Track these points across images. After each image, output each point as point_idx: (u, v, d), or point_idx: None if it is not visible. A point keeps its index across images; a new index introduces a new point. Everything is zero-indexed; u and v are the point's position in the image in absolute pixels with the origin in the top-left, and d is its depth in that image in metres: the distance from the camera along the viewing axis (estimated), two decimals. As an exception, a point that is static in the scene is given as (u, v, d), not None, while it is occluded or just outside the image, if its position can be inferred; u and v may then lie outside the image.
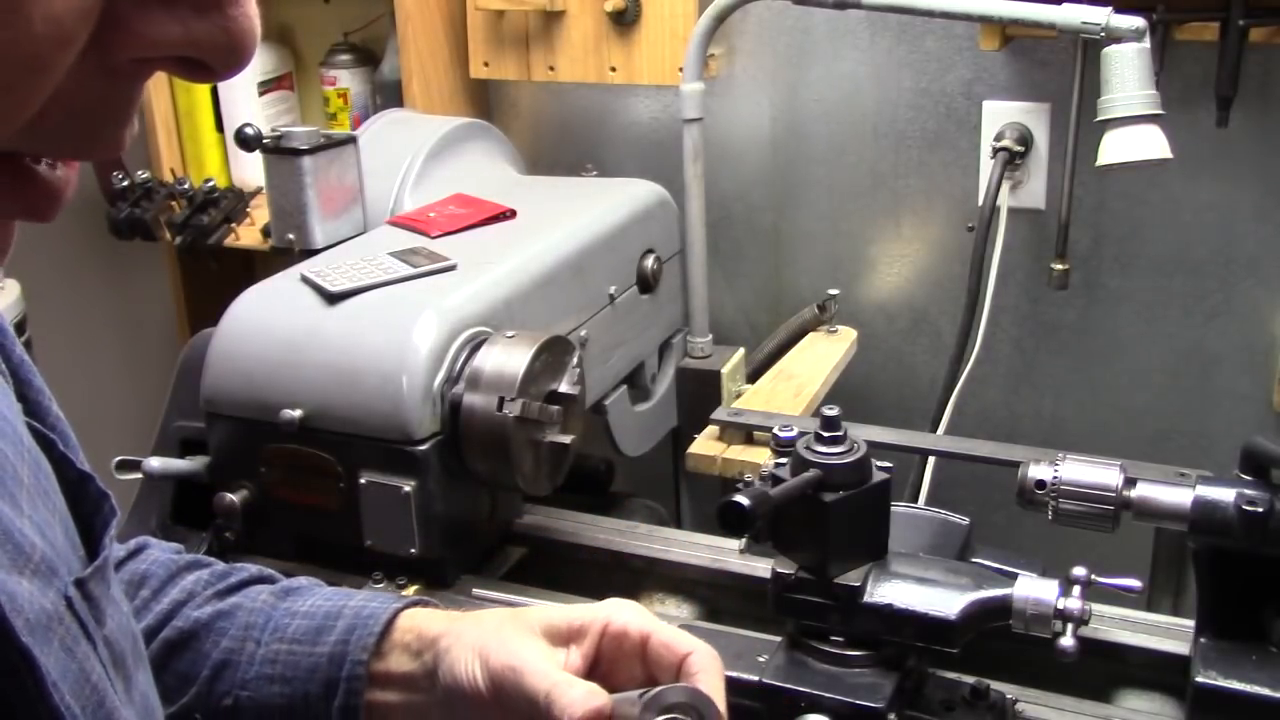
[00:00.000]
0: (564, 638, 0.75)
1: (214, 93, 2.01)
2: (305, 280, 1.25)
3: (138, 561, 0.85)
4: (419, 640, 0.77)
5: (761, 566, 1.07)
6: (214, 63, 0.42)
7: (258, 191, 1.90)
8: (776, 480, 0.92)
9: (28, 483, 0.57)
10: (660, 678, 0.74)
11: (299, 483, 1.19)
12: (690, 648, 0.73)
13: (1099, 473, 1.00)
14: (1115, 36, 1.36)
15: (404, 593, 1.16)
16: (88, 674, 0.56)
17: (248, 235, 1.87)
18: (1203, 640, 0.96)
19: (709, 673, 0.72)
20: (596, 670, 0.75)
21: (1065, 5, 1.38)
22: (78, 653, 0.56)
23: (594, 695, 0.70)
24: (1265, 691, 0.90)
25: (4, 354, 0.63)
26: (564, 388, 1.19)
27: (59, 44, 0.38)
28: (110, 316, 2.29)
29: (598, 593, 1.17)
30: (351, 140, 1.49)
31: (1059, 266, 1.69)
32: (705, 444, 1.46)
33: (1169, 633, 1.07)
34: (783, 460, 0.96)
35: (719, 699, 0.70)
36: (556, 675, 0.72)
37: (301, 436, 1.17)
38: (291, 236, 1.44)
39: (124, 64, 0.41)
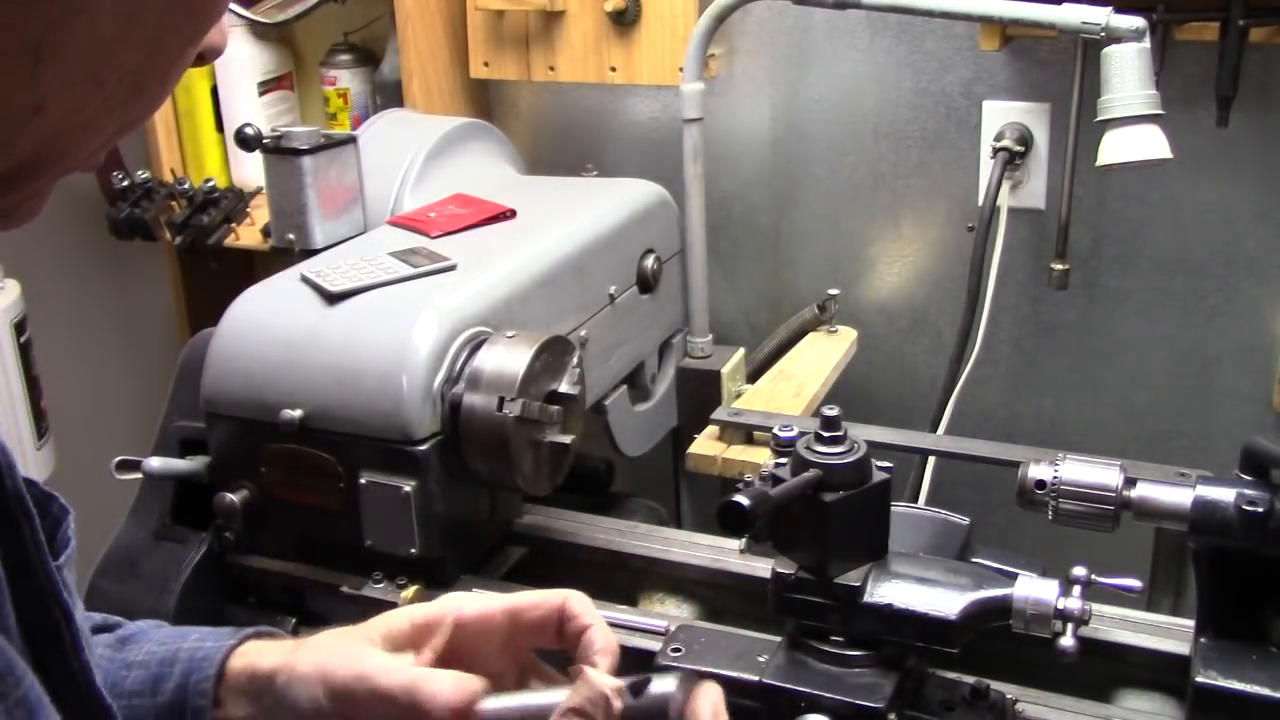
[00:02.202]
0: (408, 640, 0.72)
1: (214, 93, 2.01)
2: (305, 280, 1.25)
3: None
4: (252, 682, 0.74)
5: (761, 566, 1.07)
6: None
7: (258, 191, 1.90)
8: (776, 480, 0.92)
9: None
10: (539, 642, 0.72)
11: (299, 483, 1.19)
12: (561, 596, 0.71)
13: (1099, 473, 1.00)
14: (1115, 36, 1.36)
15: (403, 594, 1.16)
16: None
17: (248, 235, 1.87)
18: (1203, 640, 0.96)
19: (589, 613, 0.71)
20: (454, 665, 0.71)
21: (1065, 5, 1.38)
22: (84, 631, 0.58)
23: (463, 680, 0.67)
24: (1265, 691, 0.90)
25: None
26: (564, 388, 1.19)
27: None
28: (110, 316, 2.29)
29: (598, 593, 1.18)
30: (351, 140, 1.49)
31: (1059, 266, 1.69)
32: (705, 444, 1.46)
33: (1169, 633, 1.06)
34: (783, 460, 0.96)
35: (604, 628, 0.70)
36: (412, 670, 0.69)
37: (301, 436, 1.17)
38: (291, 236, 1.44)
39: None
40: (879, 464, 0.95)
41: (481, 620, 0.72)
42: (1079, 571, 0.91)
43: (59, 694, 0.55)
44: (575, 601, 0.71)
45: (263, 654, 0.75)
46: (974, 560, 1.01)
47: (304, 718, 0.71)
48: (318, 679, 0.70)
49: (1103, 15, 1.35)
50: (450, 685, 0.67)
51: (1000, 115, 1.71)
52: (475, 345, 1.18)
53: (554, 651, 0.73)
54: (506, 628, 0.72)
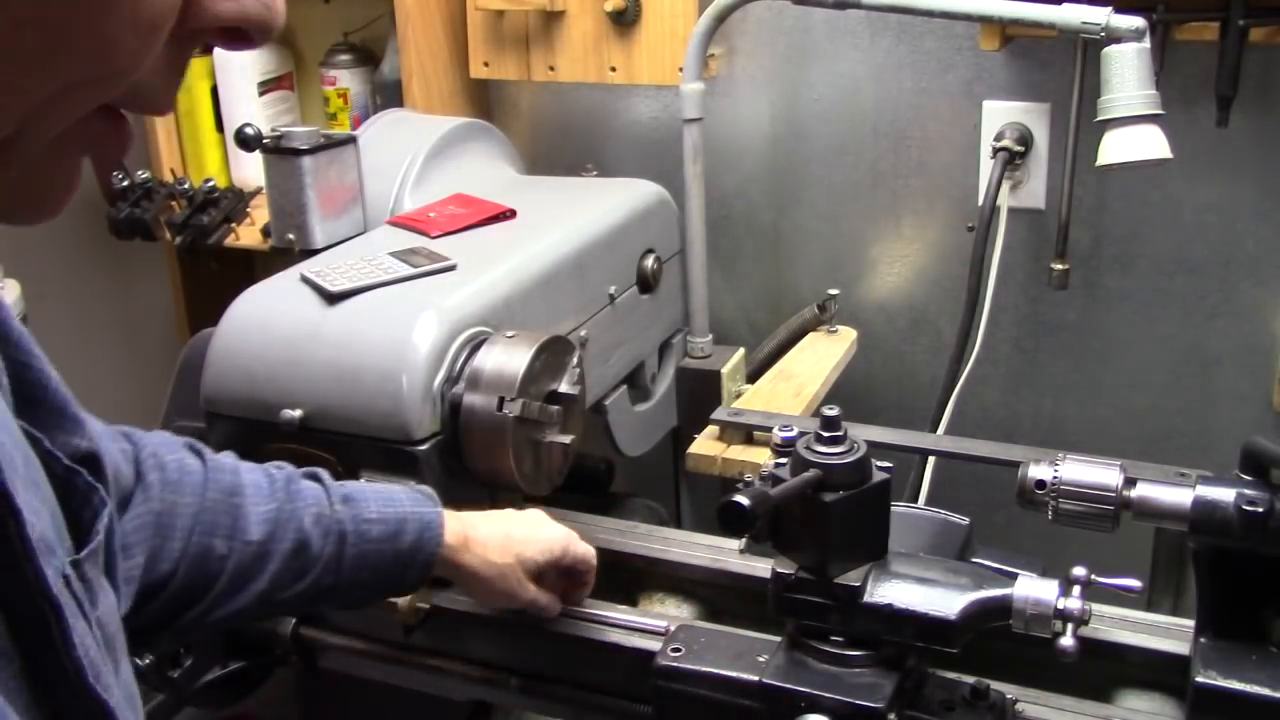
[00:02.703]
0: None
1: (214, 93, 2.01)
2: (305, 280, 1.25)
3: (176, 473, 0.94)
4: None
5: (761, 566, 1.07)
6: (255, 34, 0.48)
7: (258, 191, 1.90)
8: (776, 480, 0.92)
9: (21, 471, 0.59)
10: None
11: (299, 483, 1.19)
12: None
13: (1099, 473, 1.00)
14: (1115, 36, 1.36)
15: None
16: (87, 648, 0.58)
17: (248, 235, 1.87)
18: (1203, 640, 0.96)
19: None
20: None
21: (1065, 5, 1.38)
22: (78, 627, 0.57)
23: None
24: (1265, 691, 0.90)
25: (2, 332, 0.65)
26: (564, 388, 1.19)
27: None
28: (110, 316, 2.29)
29: (598, 593, 1.18)
30: (351, 140, 1.49)
31: (1059, 266, 1.69)
32: (705, 444, 1.46)
33: (1169, 633, 1.06)
34: (783, 460, 0.96)
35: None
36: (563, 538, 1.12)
37: (301, 436, 1.17)
38: (291, 236, 1.44)
39: (186, 32, 0.46)
40: (879, 464, 0.95)
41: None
42: (1079, 571, 0.91)
43: (53, 688, 0.55)
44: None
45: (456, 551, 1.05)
46: (974, 560, 1.01)
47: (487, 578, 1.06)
48: (505, 592, 1.07)
49: (1103, 15, 1.35)
50: (586, 546, 1.13)
51: (1000, 115, 1.71)
52: (475, 345, 1.18)
53: None
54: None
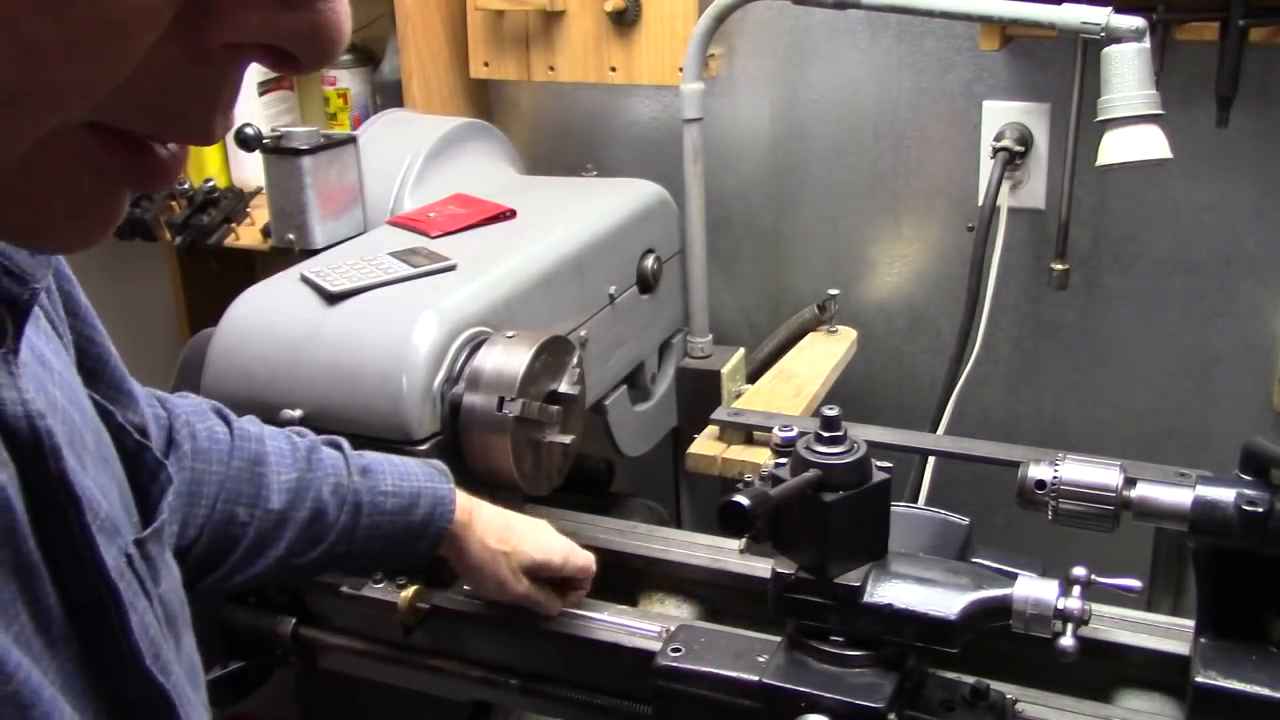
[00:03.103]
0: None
1: (214, 93, 2.00)
2: (305, 280, 1.25)
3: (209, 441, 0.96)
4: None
5: (761, 566, 1.07)
6: (299, 54, 0.43)
7: (258, 191, 1.90)
8: (776, 480, 0.92)
9: (91, 449, 0.59)
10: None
11: (299, 483, 1.19)
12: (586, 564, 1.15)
13: (1099, 473, 1.00)
14: (1115, 36, 1.36)
15: (403, 594, 1.16)
16: (147, 627, 0.58)
17: (248, 235, 1.87)
18: (1203, 640, 0.96)
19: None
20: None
21: (1065, 5, 1.38)
22: (138, 606, 0.58)
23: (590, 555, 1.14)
24: (1265, 691, 0.90)
25: (71, 306, 0.65)
26: (564, 388, 1.19)
27: (143, 15, 0.38)
28: (110, 316, 2.27)
29: (598, 592, 1.18)
30: (351, 140, 1.49)
31: (1059, 266, 1.69)
32: (705, 444, 1.46)
33: (1169, 633, 1.06)
34: (783, 460, 0.96)
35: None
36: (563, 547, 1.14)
37: (301, 436, 1.17)
38: (291, 236, 1.44)
39: (215, 50, 0.41)
40: (879, 464, 0.95)
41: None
42: (1079, 571, 0.91)
43: (111, 673, 0.56)
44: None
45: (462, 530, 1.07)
46: (974, 560, 1.01)
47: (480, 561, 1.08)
48: (500, 585, 1.09)
49: (1103, 15, 1.35)
50: (587, 555, 1.14)
51: (1000, 115, 1.71)
52: (475, 345, 1.18)
53: None
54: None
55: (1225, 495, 0.93)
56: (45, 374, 0.57)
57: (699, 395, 1.66)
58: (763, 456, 1.36)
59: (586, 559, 1.14)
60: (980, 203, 1.68)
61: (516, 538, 1.10)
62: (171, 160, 0.45)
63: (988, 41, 1.60)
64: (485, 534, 1.08)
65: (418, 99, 1.83)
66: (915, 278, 1.84)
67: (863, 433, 0.97)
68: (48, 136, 0.40)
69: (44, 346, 0.59)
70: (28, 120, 0.40)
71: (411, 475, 1.05)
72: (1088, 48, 1.55)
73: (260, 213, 1.79)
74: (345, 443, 1.06)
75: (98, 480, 0.58)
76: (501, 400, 1.13)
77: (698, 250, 1.67)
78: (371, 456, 1.06)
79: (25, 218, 0.43)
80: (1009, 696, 0.97)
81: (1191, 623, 0.99)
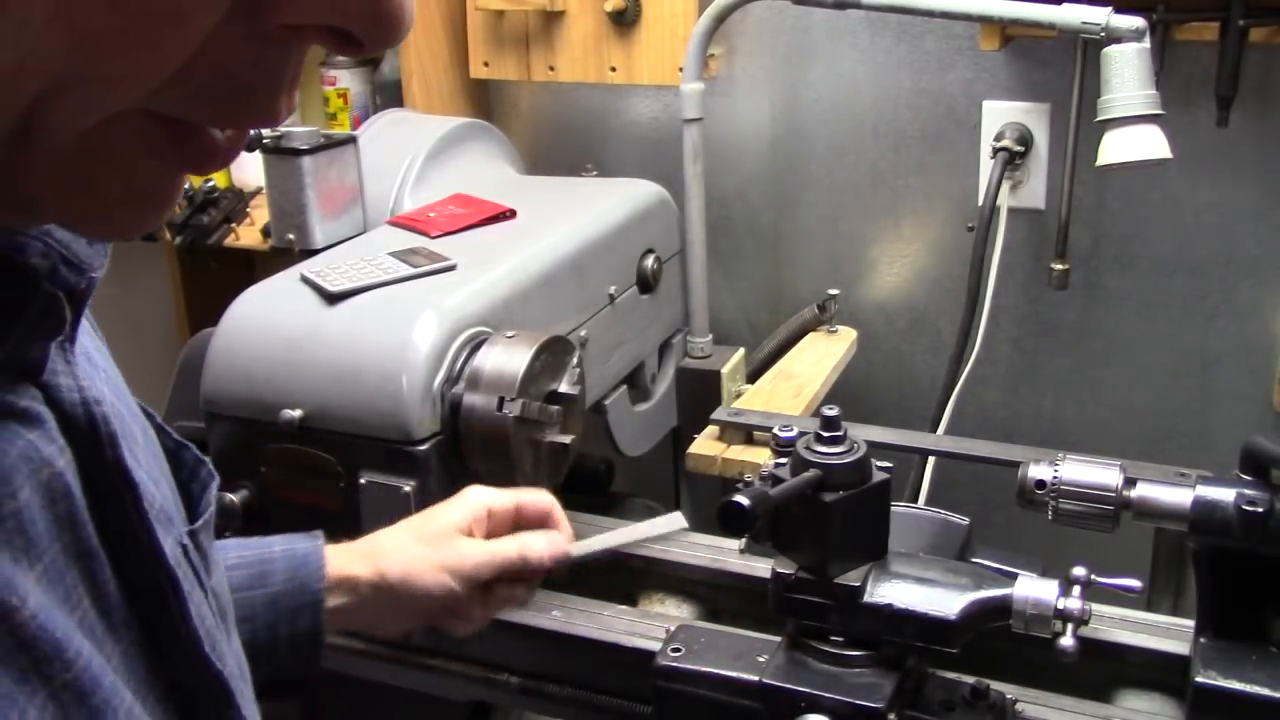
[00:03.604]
0: (475, 528, 1.01)
1: (214, 93, 2.01)
2: (305, 280, 1.25)
3: None
4: (346, 581, 0.95)
5: (761, 566, 1.07)
6: (362, 35, 0.42)
7: (258, 191, 1.90)
8: (776, 480, 0.92)
9: (141, 442, 0.59)
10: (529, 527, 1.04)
11: (299, 483, 1.19)
12: (546, 502, 1.04)
13: (1099, 473, 1.00)
14: (1115, 36, 1.36)
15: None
16: (203, 616, 0.58)
17: (248, 235, 1.87)
18: (1203, 640, 0.96)
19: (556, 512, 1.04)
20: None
21: (1065, 5, 1.38)
22: (194, 596, 0.58)
23: (552, 537, 1.01)
24: (1265, 691, 0.90)
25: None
26: (564, 388, 1.19)
27: (203, 5, 0.38)
28: (110, 316, 2.28)
29: (598, 593, 1.18)
30: (351, 140, 1.49)
31: (1059, 266, 1.69)
32: (705, 444, 1.46)
33: (1169, 633, 1.06)
34: (783, 460, 0.96)
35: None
36: (511, 540, 1.00)
37: (301, 436, 1.17)
38: (291, 236, 1.44)
39: (274, 30, 0.41)
40: (879, 464, 0.95)
41: (503, 512, 1.03)
42: (1079, 571, 0.91)
43: (170, 658, 0.55)
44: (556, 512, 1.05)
45: (346, 561, 0.96)
46: (974, 560, 1.01)
47: (421, 604, 0.97)
48: (444, 571, 0.96)
49: (1103, 15, 1.35)
50: (545, 543, 1.01)
51: (1000, 115, 1.71)
52: (475, 345, 1.18)
53: None
54: (513, 516, 1.04)
55: (1225, 495, 0.93)
56: (92, 370, 0.57)
57: (699, 395, 1.66)
58: (763, 456, 1.36)
59: (532, 499, 1.05)
60: (980, 203, 1.68)
61: (427, 518, 1.01)
62: (227, 144, 0.45)
63: (988, 41, 1.60)
64: (405, 544, 0.98)
65: (418, 99, 1.83)
66: (915, 278, 1.84)
67: (863, 433, 0.97)
68: (104, 121, 0.40)
69: (88, 342, 0.59)
70: (84, 109, 0.40)
71: (264, 544, 0.94)
72: (1088, 48, 1.55)
73: (260, 213, 1.79)
74: None
75: (150, 472, 0.58)
76: (501, 400, 1.13)
77: (698, 250, 1.67)
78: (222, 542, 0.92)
79: (80, 202, 0.43)
80: (1009, 696, 0.97)
81: (1191, 623, 0.99)
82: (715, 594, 1.22)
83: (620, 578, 1.24)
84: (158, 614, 0.55)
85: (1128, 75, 1.36)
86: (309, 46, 0.43)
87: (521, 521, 1.04)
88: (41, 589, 0.47)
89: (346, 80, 1.99)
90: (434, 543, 0.98)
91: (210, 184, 1.89)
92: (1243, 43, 1.47)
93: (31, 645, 0.46)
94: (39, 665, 0.46)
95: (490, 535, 1.02)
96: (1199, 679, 0.92)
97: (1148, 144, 1.37)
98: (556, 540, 1.01)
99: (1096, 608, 0.96)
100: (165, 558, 0.55)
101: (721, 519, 0.88)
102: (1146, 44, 1.36)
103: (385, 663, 1.22)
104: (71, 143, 0.40)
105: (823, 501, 0.91)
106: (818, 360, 1.70)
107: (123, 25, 0.37)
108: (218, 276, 2.00)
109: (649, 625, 1.12)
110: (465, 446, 1.15)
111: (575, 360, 1.21)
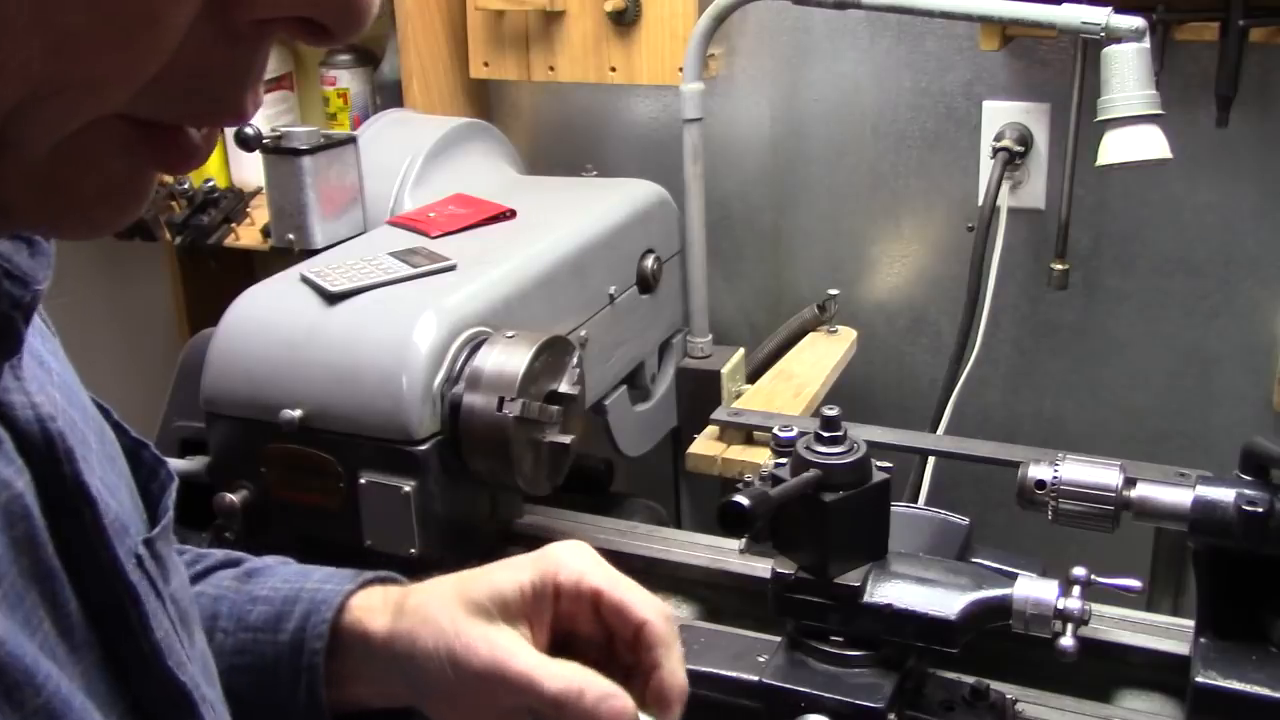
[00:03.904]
0: (520, 612, 0.71)
1: (214, 93, 2.01)
2: (305, 280, 1.25)
3: None
4: (361, 640, 0.75)
5: (761, 566, 1.07)
6: (332, 24, 0.42)
7: (258, 191, 1.90)
8: (776, 480, 0.92)
9: (95, 447, 0.58)
10: (616, 642, 0.72)
11: (299, 483, 1.19)
12: (642, 617, 0.70)
13: (1099, 473, 1.00)
14: (1115, 36, 1.36)
15: (404, 593, 1.16)
16: (164, 629, 0.57)
17: (248, 235, 1.87)
18: (1203, 640, 0.96)
19: (666, 646, 0.70)
20: (556, 625, 0.73)
21: (1065, 5, 1.38)
22: (152, 606, 0.57)
23: (618, 698, 0.66)
24: (1265, 691, 0.90)
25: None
26: (564, 388, 1.19)
27: (174, 1, 0.38)
28: (110, 316, 2.29)
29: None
30: (351, 140, 1.49)
31: (1059, 266, 1.69)
32: (705, 444, 1.46)
33: (1169, 633, 1.06)
34: (783, 460, 0.96)
35: (677, 669, 0.70)
36: (570, 673, 0.67)
37: (301, 436, 1.17)
38: (291, 236, 1.44)
39: (244, 25, 0.41)
40: (879, 464, 0.95)
41: (574, 599, 0.72)
42: (1079, 571, 0.91)
43: (131, 674, 0.55)
44: (654, 629, 0.70)
45: (373, 614, 0.75)
46: (974, 560, 1.01)
47: (420, 682, 0.72)
48: (446, 658, 0.70)
49: (1103, 15, 1.35)
50: (605, 697, 0.66)
51: (1000, 115, 1.71)
52: (475, 345, 1.18)
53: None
54: (593, 603, 0.72)
55: (1225, 495, 0.93)
56: (44, 375, 0.56)
57: (699, 395, 1.66)
58: (763, 456, 1.36)
59: (651, 603, 0.72)
60: (980, 203, 1.68)
61: (466, 581, 0.75)
62: (203, 142, 0.44)
63: (988, 41, 1.60)
64: (428, 605, 0.74)
65: (418, 99, 1.83)
66: (915, 278, 1.84)
67: (863, 433, 0.97)
68: (80, 128, 0.40)
69: (40, 347, 0.58)
70: (64, 116, 0.39)
71: (306, 575, 0.79)
72: (1088, 48, 1.55)
73: (260, 213, 1.79)
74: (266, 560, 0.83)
75: (105, 479, 0.57)
76: (501, 400, 1.13)
77: (698, 250, 1.67)
78: (277, 561, 0.82)
79: (53, 202, 0.42)
80: (1009, 696, 0.97)
81: (1191, 623, 0.99)
82: (715, 594, 1.22)
83: (620, 578, 1.24)
84: (119, 630, 0.54)
85: (1128, 75, 1.36)
86: (276, 40, 0.43)
87: (605, 625, 0.73)
88: (3, 614, 0.47)
89: (346, 80, 1.99)
90: (459, 619, 0.72)
91: (210, 184, 1.89)
92: (1243, 43, 1.47)
93: (2, 673, 0.46)
94: (10, 692, 0.46)
95: (562, 614, 0.73)
96: (1199, 679, 0.92)
97: (1148, 144, 1.37)
98: (620, 702, 0.66)
99: (1096, 608, 0.96)
100: (126, 573, 0.54)
101: (721, 519, 0.88)
102: (1146, 44, 1.36)
103: (385, 663, 1.22)
104: (47, 150, 0.40)
105: (823, 501, 0.91)
106: (818, 360, 1.70)
107: (101, 26, 0.37)
108: (218, 276, 2.01)
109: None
110: (465, 446, 1.15)
111: (575, 360, 1.21)
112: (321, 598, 0.76)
